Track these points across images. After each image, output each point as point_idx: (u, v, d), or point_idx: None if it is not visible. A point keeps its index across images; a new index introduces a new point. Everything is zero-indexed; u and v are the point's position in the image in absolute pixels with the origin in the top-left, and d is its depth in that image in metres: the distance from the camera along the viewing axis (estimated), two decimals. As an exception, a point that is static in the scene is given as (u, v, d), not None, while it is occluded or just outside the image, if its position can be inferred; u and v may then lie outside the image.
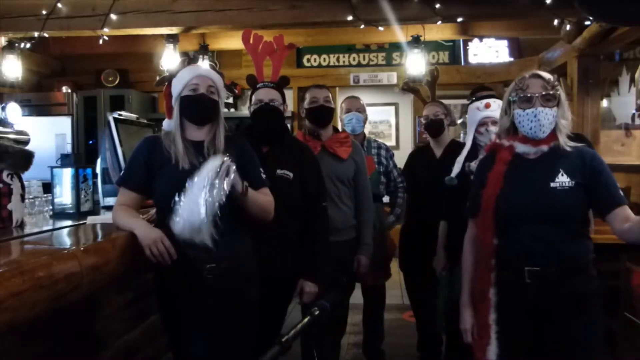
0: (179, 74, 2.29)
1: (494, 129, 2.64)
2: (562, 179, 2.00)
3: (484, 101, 2.73)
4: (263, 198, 2.25)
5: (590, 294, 2.02)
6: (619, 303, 3.29)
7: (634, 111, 5.25)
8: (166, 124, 2.49)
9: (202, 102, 2.21)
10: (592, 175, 2.01)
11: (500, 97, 2.46)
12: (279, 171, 2.62)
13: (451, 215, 2.86)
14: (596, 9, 3.74)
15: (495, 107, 2.68)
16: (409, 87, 4.29)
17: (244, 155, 2.27)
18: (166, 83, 2.55)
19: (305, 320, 1.40)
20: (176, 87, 2.25)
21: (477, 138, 2.73)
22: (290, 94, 6.94)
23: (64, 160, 2.92)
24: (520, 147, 2.09)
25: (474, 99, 2.86)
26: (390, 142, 8.28)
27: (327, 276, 2.68)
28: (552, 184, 1.99)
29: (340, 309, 3.35)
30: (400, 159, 3.83)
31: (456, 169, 2.77)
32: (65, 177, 2.83)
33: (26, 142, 2.89)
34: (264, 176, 2.29)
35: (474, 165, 2.66)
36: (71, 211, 2.77)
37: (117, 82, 7.23)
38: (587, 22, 4.52)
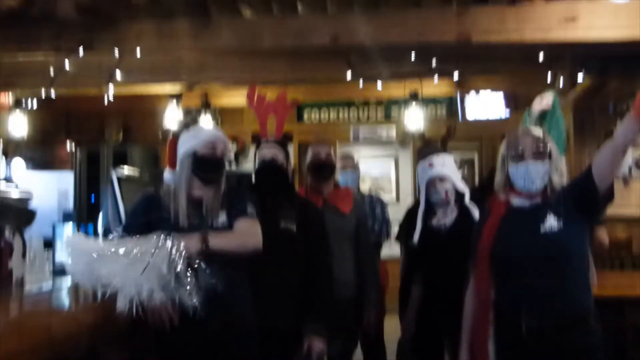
0: (196, 130, 2.32)
1: (441, 186, 2.72)
2: (551, 222, 2.02)
3: (428, 161, 2.80)
4: (231, 238, 2.17)
5: (591, 347, 1.98)
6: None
7: (630, 163, 5.31)
8: (168, 175, 2.48)
9: (217, 163, 2.25)
10: (568, 195, 2.04)
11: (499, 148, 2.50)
12: (282, 224, 2.64)
13: (421, 278, 2.88)
14: (587, 64, 3.86)
15: (439, 164, 2.76)
16: (426, 141, 4.36)
17: (234, 200, 2.28)
18: (172, 135, 2.57)
19: None
20: (189, 142, 2.26)
21: (429, 197, 2.79)
22: (290, 149, 7.01)
23: (66, 217, 2.95)
24: (516, 201, 2.13)
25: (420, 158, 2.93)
26: (391, 196, 8.29)
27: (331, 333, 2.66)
28: (542, 230, 2.02)
29: (349, 356, 3.33)
30: (401, 212, 3.84)
31: (417, 230, 2.81)
32: (67, 233, 2.85)
33: (29, 199, 2.93)
34: (251, 210, 2.26)
35: (435, 222, 2.73)
36: (72, 268, 2.77)
37: (120, 138, 7.32)
38: (580, 76, 4.62)
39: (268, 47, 3.60)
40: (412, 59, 4.08)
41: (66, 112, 7.22)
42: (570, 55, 3.86)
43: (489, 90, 7.38)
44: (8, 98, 5.42)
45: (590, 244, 2.18)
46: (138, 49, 3.79)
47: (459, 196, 2.77)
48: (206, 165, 2.23)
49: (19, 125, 5.37)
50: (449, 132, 3.97)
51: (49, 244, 3.05)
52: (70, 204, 6.39)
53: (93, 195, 6.71)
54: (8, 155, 5.76)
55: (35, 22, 3.69)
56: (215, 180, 2.26)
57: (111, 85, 4.62)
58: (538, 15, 3.35)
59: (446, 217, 2.74)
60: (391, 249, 4.19)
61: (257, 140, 2.85)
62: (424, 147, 3.10)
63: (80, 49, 3.76)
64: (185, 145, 2.26)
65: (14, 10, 3.44)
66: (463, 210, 2.80)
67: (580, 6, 3.36)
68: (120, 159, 6.65)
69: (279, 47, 3.60)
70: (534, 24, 3.34)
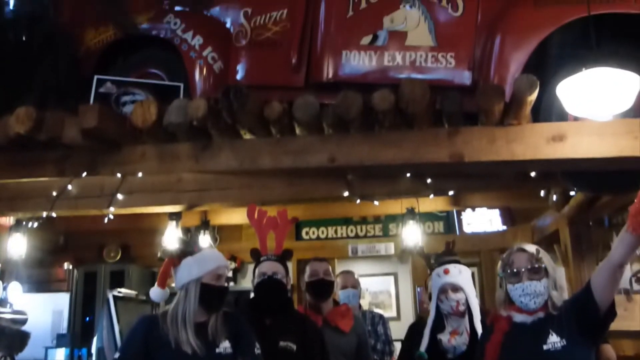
0: (202, 257, 2.30)
1: (454, 296, 2.66)
2: (553, 339, 2.02)
3: (443, 267, 2.77)
4: None
5: None
6: None
7: (629, 276, 5.28)
8: (156, 294, 2.33)
9: (223, 292, 2.27)
10: (570, 313, 2.04)
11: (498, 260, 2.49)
12: (281, 343, 2.61)
13: None
14: (578, 180, 3.96)
15: (455, 273, 2.72)
16: (424, 254, 4.37)
17: (239, 331, 2.27)
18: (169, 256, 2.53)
19: None
20: (195, 269, 2.25)
21: (439, 306, 2.72)
22: (289, 267, 6.97)
23: (60, 340, 2.89)
24: (518, 317, 2.15)
25: (436, 265, 2.90)
26: (391, 312, 8.14)
27: None
28: (544, 347, 2.01)
29: None
30: (401, 329, 3.78)
31: (424, 341, 2.72)
32: (59, 358, 2.77)
33: (23, 322, 2.88)
34: (258, 351, 2.25)
35: (445, 339, 2.62)
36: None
37: (118, 257, 7.30)
38: (572, 192, 4.72)
39: (267, 168, 3.69)
40: (407, 177, 4.19)
41: (65, 231, 7.25)
42: (561, 172, 3.96)
43: (484, 208, 7.50)
44: (9, 220, 5.45)
45: (597, 362, 2.14)
46: (140, 173, 3.90)
47: (470, 315, 2.68)
48: (213, 294, 2.25)
49: (17, 246, 5.36)
50: (448, 247, 3.99)
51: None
52: (64, 325, 6.24)
53: (88, 317, 6.58)
54: (5, 276, 5.70)
55: (41, 148, 3.80)
56: (219, 309, 2.26)
57: (112, 209, 4.68)
58: (527, 135, 3.48)
59: (457, 339, 2.64)
60: (394, 369, 4.06)
61: (255, 255, 2.87)
62: (441, 254, 3.07)
63: (84, 173, 3.85)
64: (191, 272, 2.25)
65: (22, 136, 3.56)
66: (474, 334, 2.68)
67: (566, 126, 3.50)
68: (118, 278, 6.60)
69: (277, 167, 3.70)
70: (523, 143, 3.46)
